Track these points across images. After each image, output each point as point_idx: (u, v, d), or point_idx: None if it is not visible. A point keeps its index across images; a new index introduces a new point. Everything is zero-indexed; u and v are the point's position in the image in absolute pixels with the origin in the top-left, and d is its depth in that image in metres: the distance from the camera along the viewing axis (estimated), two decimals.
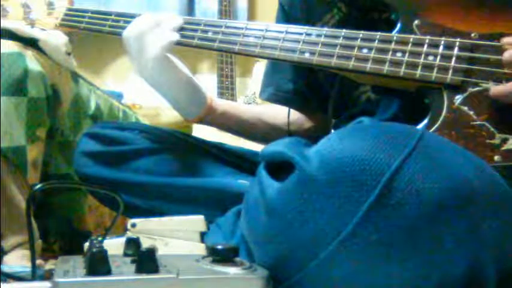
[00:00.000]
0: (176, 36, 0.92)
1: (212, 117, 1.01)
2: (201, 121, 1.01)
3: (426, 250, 0.53)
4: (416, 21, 0.79)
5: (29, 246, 0.67)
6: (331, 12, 0.91)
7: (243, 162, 1.02)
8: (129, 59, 0.95)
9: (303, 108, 1.08)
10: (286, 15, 1.04)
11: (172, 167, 0.98)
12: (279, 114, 1.07)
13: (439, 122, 0.74)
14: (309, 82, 1.04)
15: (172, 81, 0.94)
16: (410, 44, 0.77)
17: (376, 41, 0.79)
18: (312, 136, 1.06)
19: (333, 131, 0.90)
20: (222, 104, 1.03)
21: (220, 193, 0.93)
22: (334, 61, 0.81)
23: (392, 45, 0.78)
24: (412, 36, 0.78)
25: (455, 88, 0.75)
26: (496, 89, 0.72)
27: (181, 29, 0.94)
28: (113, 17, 1.00)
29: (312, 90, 1.05)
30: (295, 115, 1.08)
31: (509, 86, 0.71)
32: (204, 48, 0.92)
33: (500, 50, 0.74)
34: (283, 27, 0.86)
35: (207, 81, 2.45)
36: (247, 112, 1.07)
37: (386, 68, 0.77)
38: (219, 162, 1.01)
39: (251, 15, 2.53)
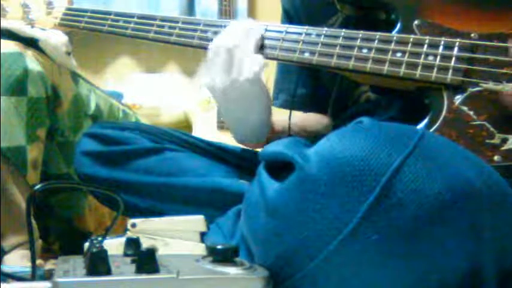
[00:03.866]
0: (262, 59, 0.86)
1: (273, 139, 0.94)
2: (261, 146, 0.97)
3: (426, 250, 0.53)
4: (416, 21, 0.80)
5: (29, 246, 0.67)
6: (336, 14, 0.91)
7: (243, 162, 1.02)
8: (207, 68, 0.88)
9: (319, 111, 1.08)
10: (289, 19, 1.04)
11: (172, 167, 0.98)
12: (317, 120, 1.07)
13: (439, 122, 0.74)
14: (313, 84, 1.04)
15: (257, 103, 0.89)
16: (410, 44, 0.77)
17: (376, 41, 0.79)
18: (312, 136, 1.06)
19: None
20: (279, 122, 1.00)
21: (220, 193, 0.93)
22: (334, 61, 0.81)
23: (392, 45, 0.78)
24: (412, 36, 0.78)
25: (455, 88, 0.75)
26: None
27: (182, 29, 0.94)
28: (112, 16, 1.00)
29: (316, 92, 1.05)
30: (321, 118, 1.08)
31: None
32: (204, 48, 0.92)
33: (500, 50, 0.74)
34: (283, 27, 0.86)
35: None
36: (298, 124, 1.04)
37: (386, 68, 0.77)
38: (219, 162, 1.01)
39: (251, 15, 2.53)
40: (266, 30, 0.88)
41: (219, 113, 1.75)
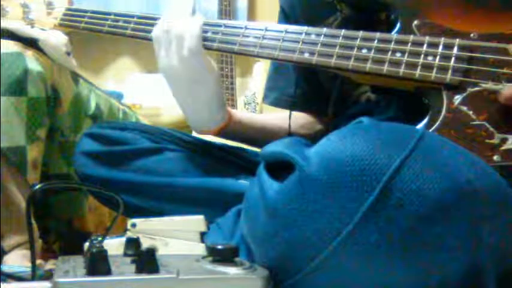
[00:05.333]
0: (201, 19, 0.89)
1: (229, 130, 0.98)
2: (218, 134, 0.98)
3: (426, 250, 0.54)
4: (415, 21, 0.80)
5: (29, 246, 0.67)
6: (335, 14, 0.91)
7: (243, 162, 1.02)
8: (158, 59, 0.91)
9: (309, 110, 1.08)
10: (286, 18, 1.04)
11: (172, 167, 0.98)
12: (297, 119, 1.07)
13: (438, 122, 0.74)
14: (312, 84, 1.04)
15: (202, 77, 0.90)
16: (409, 44, 0.77)
17: (376, 41, 0.79)
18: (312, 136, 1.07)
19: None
20: (238, 113, 1.00)
21: (220, 193, 0.93)
22: (333, 61, 0.81)
23: (392, 45, 0.78)
24: (412, 36, 0.78)
25: (454, 88, 0.75)
26: (508, 92, 0.72)
27: None
28: (112, 16, 1.00)
29: (318, 92, 1.04)
30: (305, 118, 1.08)
31: None
32: (204, 48, 0.92)
33: (499, 50, 0.74)
34: (283, 27, 0.87)
35: None
36: (267, 121, 1.05)
37: (385, 68, 0.78)
38: (219, 162, 1.01)
39: (251, 15, 2.53)
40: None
41: None
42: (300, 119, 1.08)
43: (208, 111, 0.93)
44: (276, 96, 1.09)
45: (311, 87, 1.05)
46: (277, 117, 1.07)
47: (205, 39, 0.91)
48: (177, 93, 0.93)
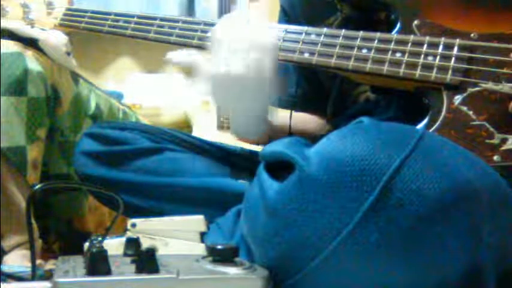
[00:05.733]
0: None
1: (273, 135, 0.94)
2: (260, 143, 0.97)
3: (426, 250, 0.54)
4: (415, 21, 0.80)
5: (29, 246, 0.67)
6: (335, 14, 0.91)
7: (243, 162, 1.02)
8: (217, 59, 0.84)
9: (310, 110, 1.08)
10: (287, 17, 1.04)
11: (172, 167, 0.98)
12: (307, 120, 1.07)
13: (438, 122, 0.74)
14: (313, 84, 1.04)
15: (255, 100, 0.86)
16: (409, 44, 0.77)
17: (376, 41, 0.79)
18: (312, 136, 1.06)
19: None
20: (279, 119, 0.98)
21: (220, 193, 0.93)
22: (333, 61, 0.81)
23: (392, 45, 0.78)
24: (412, 36, 0.78)
25: (454, 88, 0.75)
26: None
27: (182, 29, 0.93)
28: (112, 16, 1.00)
29: (316, 91, 1.04)
30: (314, 118, 1.08)
31: None
32: (204, 48, 0.92)
33: (499, 50, 0.74)
34: (283, 27, 0.86)
35: None
36: (298, 123, 1.04)
37: (385, 68, 0.78)
38: (220, 162, 1.01)
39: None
40: (288, 32, 0.85)
41: (219, 113, 1.75)
42: (316, 118, 1.07)
43: (253, 123, 0.91)
44: (278, 97, 1.09)
45: (312, 87, 1.05)
46: (306, 117, 1.06)
47: (205, 39, 0.90)
48: (227, 101, 0.88)
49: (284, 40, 0.85)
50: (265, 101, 0.88)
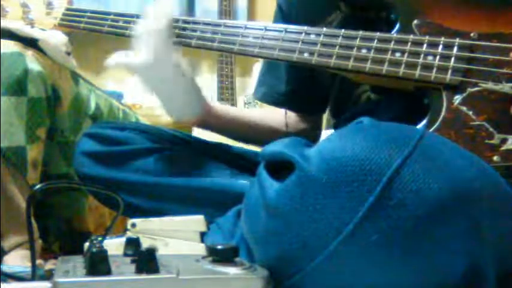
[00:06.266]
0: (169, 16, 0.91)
1: (208, 121, 1.00)
2: (196, 124, 1.00)
3: (426, 250, 0.54)
4: (415, 21, 0.79)
5: (29, 246, 0.67)
6: (334, 13, 0.91)
7: (243, 162, 1.02)
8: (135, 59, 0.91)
9: (294, 109, 1.08)
10: (283, 16, 1.04)
11: (172, 167, 0.98)
12: (276, 116, 1.07)
13: (438, 122, 0.74)
14: (305, 83, 1.04)
15: (175, 74, 0.92)
16: (409, 44, 0.77)
17: (375, 41, 0.79)
18: (312, 136, 1.07)
19: (328, 131, 0.90)
20: (220, 108, 1.02)
21: (220, 193, 0.93)
22: (333, 61, 0.81)
23: (392, 45, 0.78)
24: (411, 36, 0.78)
25: (454, 88, 0.75)
26: None
27: (181, 28, 0.94)
28: (112, 16, 1.00)
29: (308, 91, 1.05)
30: (290, 117, 1.08)
31: None
32: (204, 48, 0.92)
33: (499, 50, 0.74)
34: (282, 27, 0.86)
35: (207, 81, 2.45)
36: (246, 116, 1.07)
37: (385, 68, 0.77)
38: (219, 162, 1.01)
39: (251, 15, 2.53)
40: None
41: None
42: (281, 116, 1.08)
43: (180, 107, 0.96)
44: (264, 92, 1.10)
45: (300, 86, 1.05)
46: (259, 113, 1.09)
47: (205, 39, 0.91)
48: (148, 89, 0.94)
49: (283, 40, 0.85)
50: (179, 83, 0.93)
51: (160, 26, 0.90)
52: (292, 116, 1.09)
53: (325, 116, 1.15)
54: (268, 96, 1.09)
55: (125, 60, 0.91)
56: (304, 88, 1.05)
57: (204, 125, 1.01)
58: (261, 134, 1.07)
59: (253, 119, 1.07)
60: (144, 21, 0.92)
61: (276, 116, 1.08)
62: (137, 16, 0.98)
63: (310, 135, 1.06)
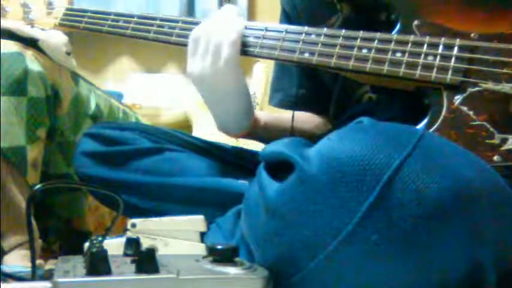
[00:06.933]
0: (242, 24, 0.87)
1: (256, 132, 0.98)
2: (243, 136, 0.98)
3: (426, 250, 0.54)
4: (416, 22, 0.80)
5: (29, 246, 0.67)
6: (335, 14, 0.91)
7: (243, 162, 1.02)
8: (190, 62, 0.89)
9: (312, 110, 1.08)
10: (288, 18, 1.04)
11: (172, 167, 0.98)
12: (313, 119, 1.07)
13: (438, 122, 0.74)
14: (315, 84, 1.04)
15: (234, 88, 0.89)
16: (410, 44, 0.77)
17: (376, 41, 0.79)
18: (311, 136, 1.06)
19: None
20: (264, 116, 1.01)
21: (220, 193, 0.93)
22: (333, 61, 0.81)
23: (392, 45, 0.78)
24: (412, 36, 0.78)
25: (454, 88, 0.75)
26: None
27: (182, 29, 0.94)
28: (112, 16, 1.00)
29: (318, 92, 1.05)
30: (316, 117, 1.08)
31: None
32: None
33: (499, 50, 0.74)
34: (283, 27, 0.86)
35: None
36: (286, 122, 1.05)
37: (386, 68, 0.78)
38: (219, 162, 1.01)
39: (251, 15, 2.53)
40: (247, 27, 0.88)
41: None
42: (315, 119, 1.08)
43: (234, 120, 0.93)
44: (280, 97, 1.09)
45: (314, 88, 1.05)
46: (298, 116, 1.07)
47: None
48: (205, 99, 0.92)
49: (284, 40, 0.85)
50: (240, 96, 0.90)
51: (235, 35, 0.86)
52: (318, 118, 1.08)
53: None
54: (285, 101, 1.09)
55: (189, 68, 0.88)
56: (316, 89, 1.05)
57: (251, 136, 1.00)
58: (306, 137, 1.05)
59: (298, 124, 1.05)
60: (214, 26, 0.87)
61: (313, 118, 1.07)
62: (138, 16, 0.98)
63: None
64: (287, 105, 1.08)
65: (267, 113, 1.04)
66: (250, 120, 0.95)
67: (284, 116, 1.04)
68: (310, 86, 1.05)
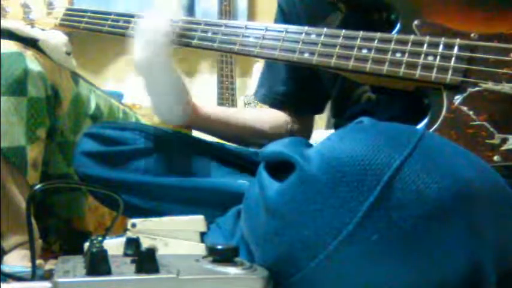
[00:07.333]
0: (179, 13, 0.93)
1: (197, 123, 1.02)
2: (185, 127, 1.02)
3: (426, 250, 0.54)
4: (416, 21, 0.80)
5: (29, 246, 0.67)
6: (334, 13, 0.91)
7: (243, 162, 1.02)
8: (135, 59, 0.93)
9: (291, 111, 1.09)
10: (284, 17, 1.04)
11: (172, 167, 0.98)
12: (272, 117, 1.08)
13: (438, 122, 0.74)
14: (304, 84, 1.05)
15: (165, 74, 0.93)
16: (409, 44, 0.77)
17: (376, 41, 0.79)
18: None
19: (328, 131, 0.91)
20: (210, 109, 1.03)
21: (220, 193, 0.93)
22: (333, 61, 0.81)
23: (392, 45, 0.78)
24: (412, 36, 0.78)
25: (454, 88, 0.75)
26: None
27: (182, 29, 0.94)
28: (112, 16, 1.00)
29: (307, 92, 1.05)
30: (283, 117, 1.09)
31: None
32: (204, 48, 0.92)
33: (499, 50, 0.74)
34: (283, 27, 0.87)
35: (207, 81, 2.45)
36: (239, 117, 1.08)
37: (385, 68, 0.78)
38: (219, 162, 1.01)
39: (251, 15, 2.53)
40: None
41: None
42: (271, 118, 1.09)
43: (166, 109, 0.96)
44: (264, 93, 1.11)
45: (299, 87, 1.06)
46: (252, 114, 1.10)
47: (205, 39, 0.91)
48: (144, 88, 0.96)
49: (284, 40, 0.85)
50: (170, 86, 0.94)
51: (157, 25, 0.91)
52: (286, 117, 1.09)
53: (325, 116, 1.15)
54: (267, 97, 1.10)
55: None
56: (302, 89, 1.06)
57: (194, 126, 1.04)
58: (254, 135, 1.07)
59: (246, 120, 1.08)
60: (143, 18, 0.92)
61: (272, 116, 1.08)
62: (138, 16, 0.98)
63: (303, 137, 1.07)
64: (268, 101, 1.10)
65: (214, 106, 1.07)
66: (185, 111, 0.97)
67: (233, 110, 1.07)
68: (295, 85, 1.06)
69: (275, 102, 1.09)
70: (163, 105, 0.96)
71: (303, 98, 1.07)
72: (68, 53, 1.13)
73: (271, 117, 1.09)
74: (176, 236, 0.82)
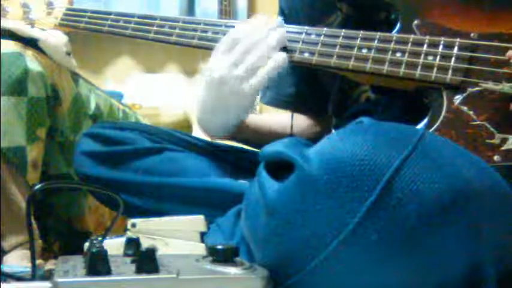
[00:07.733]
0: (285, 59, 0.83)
1: (239, 137, 0.98)
2: (230, 139, 0.98)
3: (426, 250, 0.54)
4: (416, 21, 0.80)
5: (29, 246, 0.67)
6: (335, 13, 0.91)
7: (243, 162, 1.02)
8: (215, 61, 0.86)
9: (305, 111, 1.08)
10: (285, 18, 1.04)
11: (172, 167, 0.98)
12: (298, 122, 1.07)
13: (438, 122, 0.74)
14: (310, 84, 1.04)
15: (246, 104, 0.87)
16: (410, 44, 0.77)
17: (376, 41, 0.79)
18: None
19: (333, 131, 0.90)
20: (253, 120, 0.99)
21: (220, 193, 0.93)
22: (333, 61, 0.81)
23: (392, 45, 0.78)
24: (412, 36, 0.78)
25: (454, 88, 0.75)
26: None
27: (182, 29, 0.94)
28: (112, 16, 1.00)
29: (314, 92, 1.05)
30: (302, 119, 1.08)
31: None
32: (204, 48, 0.92)
33: (499, 50, 0.74)
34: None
35: None
36: (272, 123, 1.04)
37: (386, 68, 0.78)
38: (219, 162, 1.01)
39: (251, 15, 2.53)
40: (288, 32, 0.85)
41: None
42: (300, 121, 1.08)
43: (223, 126, 0.92)
44: (272, 95, 1.09)
45: (308, 88, 1.05)
46: (273, 119, 1.07)
47: (205, 39, 0.91)
48: (206, 100, 0.89)
49: None
50: (244, 111, 0.89)
51: (281, 58, 0.83)
52: (305, 120, 1.08)
53: None
54: (276, 100, 1.09)
55: (212, 65, 0.86)
56: (310, 89, 1.05)
57: (232, 139, 1.00)
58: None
59: (279, 125, 1.04)
60: (258, 35, 0.85)
61: (297, 121, 1.07)
62: (138, 16, 0.98)
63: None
64: (278, 103, 1.08)
65: (256, 116, 1.02)
66: (240, 128, 0.94)
67: (258, 117, 1.03)
68: (305, 86, 1.05)
69: (284, 105, 1.07)
70: (219, 121, 0.91)
71: (310, 98, 1.06)
72: (68, 53, 1.13)
73: (302, 121, 1.08)
74: (176, 236, 0.82)
